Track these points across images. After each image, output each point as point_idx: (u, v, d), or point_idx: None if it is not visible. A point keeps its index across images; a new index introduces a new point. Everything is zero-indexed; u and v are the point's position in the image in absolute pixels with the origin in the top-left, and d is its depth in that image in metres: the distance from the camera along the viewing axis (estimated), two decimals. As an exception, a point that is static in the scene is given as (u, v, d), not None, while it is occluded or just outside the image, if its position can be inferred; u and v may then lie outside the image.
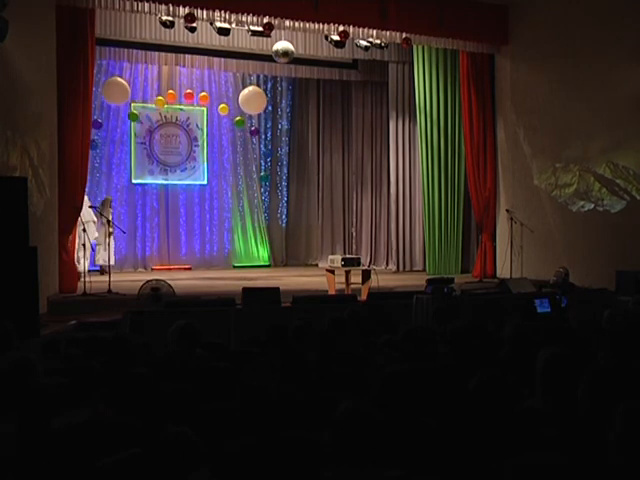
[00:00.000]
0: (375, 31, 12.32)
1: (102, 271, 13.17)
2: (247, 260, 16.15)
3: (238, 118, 15.56)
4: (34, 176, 9.44)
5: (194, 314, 7.20)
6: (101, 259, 13.34)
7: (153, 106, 15.23)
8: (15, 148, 9.03)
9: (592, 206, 11.77)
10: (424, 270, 14.64)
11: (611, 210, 11.44)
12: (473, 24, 12.79)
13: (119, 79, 14.08)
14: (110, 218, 12.59)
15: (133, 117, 14.97)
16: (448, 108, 14.29)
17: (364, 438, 2.54)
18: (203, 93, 15.48)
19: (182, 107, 15.67)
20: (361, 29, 12.25)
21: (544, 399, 3.23)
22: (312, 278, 13.20)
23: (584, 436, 2.71)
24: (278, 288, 8.73)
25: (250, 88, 14.99)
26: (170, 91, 15.14)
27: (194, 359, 4.57)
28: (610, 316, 5.09)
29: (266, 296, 8.53)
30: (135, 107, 15.05)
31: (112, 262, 12.79)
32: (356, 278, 11.14)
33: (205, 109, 15.90)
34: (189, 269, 15.35)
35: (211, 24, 11.89)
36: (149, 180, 15.57)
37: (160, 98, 14.89)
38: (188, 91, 15.24)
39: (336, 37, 12.21)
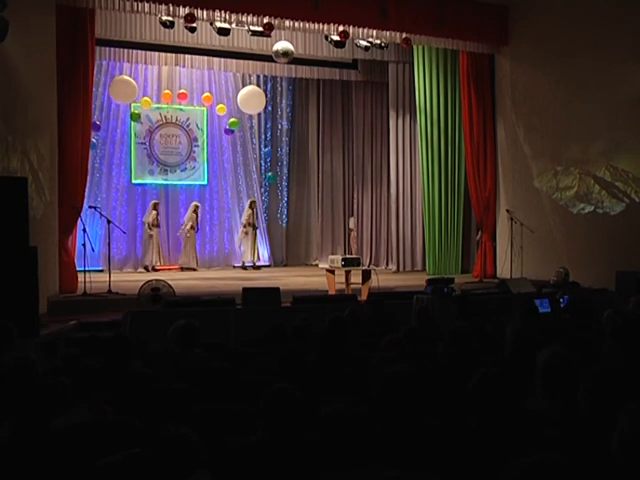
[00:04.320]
0: (375, 31, 12.32)
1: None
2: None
3: (232, 119, 15.56)
4: (34, 180, 9.44)
5: (194, 314, 7.16)
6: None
7: (153, 106, 15.22)
8: (15, 153, 9.06)
9: (592, 208, 11.78)
10: (424, 270, 14.64)
11: (611, 212, 11.46)
12: (473, 24, 12.78)
13: (127, 77, 14.10)
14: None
15: (135, 117, 14.98)
16: (448, 108, 14.29)
17: (351, 438, 2.55)
18: (206, 94, 15.47)
19: (182, 107, 15.66)
20: (361, 29, 12.25)
21: (545, 399, 3.23)
22: (312, 278, 13.20)
23: (585, 436, 2.71)
24: (278, 288, 8.74)
25: (249, 88, 14.98)
26: (166, 91, 15.13)
27: (194, 359, 4.56)
28: (610, 316, 5.08)
29: (266, 296, 8.53)
30: (135, 107, 15.05)
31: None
32: (356, 278, 11.15)
33: (205, 109, 15.90)
34: (188, 269, 15.33)
35: (211, 24, 11.89)
36: (149, 180, 15.56)
37: (146, 99, 14.82)
38: (181, 91, 15.21)
39: (336, 37, 12.21)
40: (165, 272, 14.13)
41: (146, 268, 14.77)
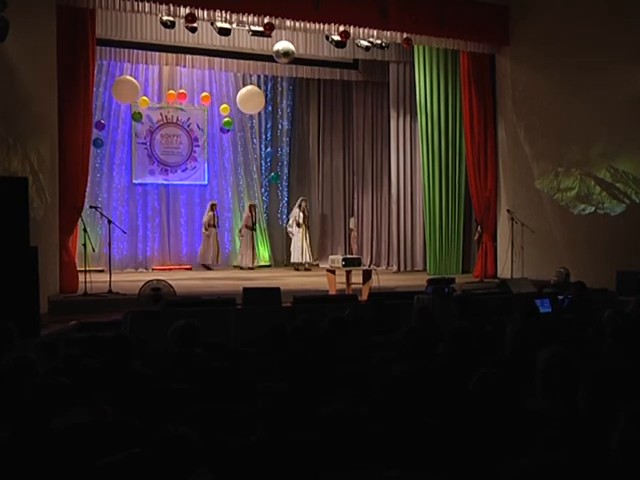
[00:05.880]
0: (376, 31, 12.30)
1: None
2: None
3: (226, 119, 15.58)
4: (34, 181, 9.44)
5: (194, 314, 7.16)
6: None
7: (154, 106, 15.24)
8: (16, 155, 9.08)
9: (593, 209, 11.79)
10: (425, 270, 14.63)
11: (611, 213, 11.47)
12: (474, 24, 12.76)
13: (129, 77, 14.13)
14: None
15: (137, 117, 14.98)
16: (449, 108, 14.28)
17: (351, 438, 2.56)
18: (205, 93, 15.48)
19: (183, 107, 15.65)
20: (362, 29, 12.23)
21: (545, 399, 3.23)
22: (313, 278, 13.20)
23: (585, 436, 2.71)
24: (279, 288, 8.75)
25: (248, 87, 14.99)
26: (170, 91, 15.14)
27: (194, 359, 4.56)
28: (611, 316, 5.07)
29: (267, 296, 8.53)
30: (136, 107, 15.04)
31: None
32: (357, 278, 11.15)
33: (206, 109, 15.89)
34: (190, 269, 15.34)
35: (212, 24, 11.88)
36: (150, 180, 15.56)
37: (144, 98, 14.81)
38: (181, 91, 15.21)
39: (337, 37, 12.20)
40: (166, 272, 14.12)
41: (204, 266, 15.23)
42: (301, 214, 15.36)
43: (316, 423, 2.70)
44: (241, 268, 15.44)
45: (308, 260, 15.35)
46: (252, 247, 15.54)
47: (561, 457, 2.14)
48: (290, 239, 15.69)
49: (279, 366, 4.26)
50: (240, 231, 15.67)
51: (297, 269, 15.26)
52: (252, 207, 15.61)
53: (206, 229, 15.27)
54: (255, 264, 15.56)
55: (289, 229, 15.60)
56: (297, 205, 15.55)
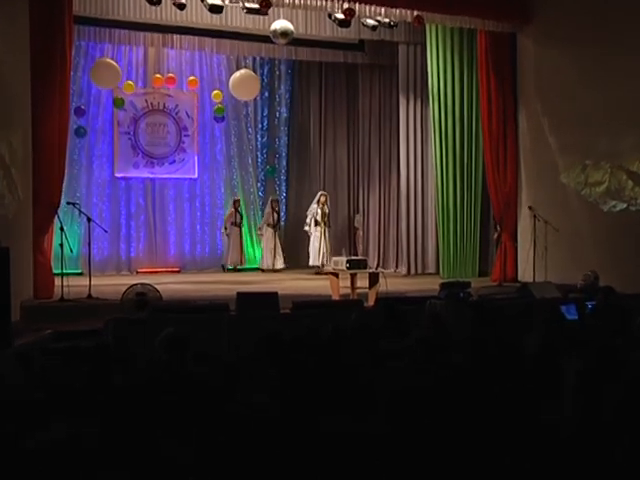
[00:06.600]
0: (384, 9, 12.29)
1: None
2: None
3: (218, 106, 15.60)
4: (5, 176, 9.46)
5: (183, 321, 7.22)
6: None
7: (138, 91, 15.26)
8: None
9: (625, 205, 11.77)
10: (438, 273, 14.64)
11: (645, 210, 11.48)
12: (492, 0, 12.75)
13: (109, 60, 14.19)
14: None
15: (118, 103, 14.97)
16: (464, 94, 14.28)
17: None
18: (192, 77, 15.48)
19: (170, 93, 15.65)
20: (368, 6, 12.22)
21: (573, 411, 3.24)
22: (314, 282, 13.25)
23: (610, 447, 2.73)
24: (276, 293, 8.79)
25: (242, 71, 15.03)
26: (157, 75, 15.15)
27: (183, 371, 4.57)
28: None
29: (263, 301, 8.56)
30: (117, 92, 15.04)
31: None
32: (362, 282, 11.16)
33: (196, 95, 15.90)
34: (178, 272, 15.36)
35: (202, 1, 11.89)
36: (134, 174, 15.56)
37: (129, 82, 14.83)
38: (170, 75, 15.22)
39: (340, 15, 12.20)
40: (151, 275, 14.12)
41: (223, 267, 15.72)
42: (319, 211, 15.20)
43: (317, 439, 2.71)
44: (262, 270, 15.58)
45: (319, 263, 15.00)
46: (274, 247, 15.65)
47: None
48: (307, 239, 15.61)
49: (275, 380, 4.27)
50: (259, 229, 15.85)
51: (317, 273, 14.88)
52: (274, 202, 15.86)
53: (226, 228, 15.55)
54: (277, 266, 15.61)
55: (306, 228, 15.41)
56: (315, 200, 15.37)
